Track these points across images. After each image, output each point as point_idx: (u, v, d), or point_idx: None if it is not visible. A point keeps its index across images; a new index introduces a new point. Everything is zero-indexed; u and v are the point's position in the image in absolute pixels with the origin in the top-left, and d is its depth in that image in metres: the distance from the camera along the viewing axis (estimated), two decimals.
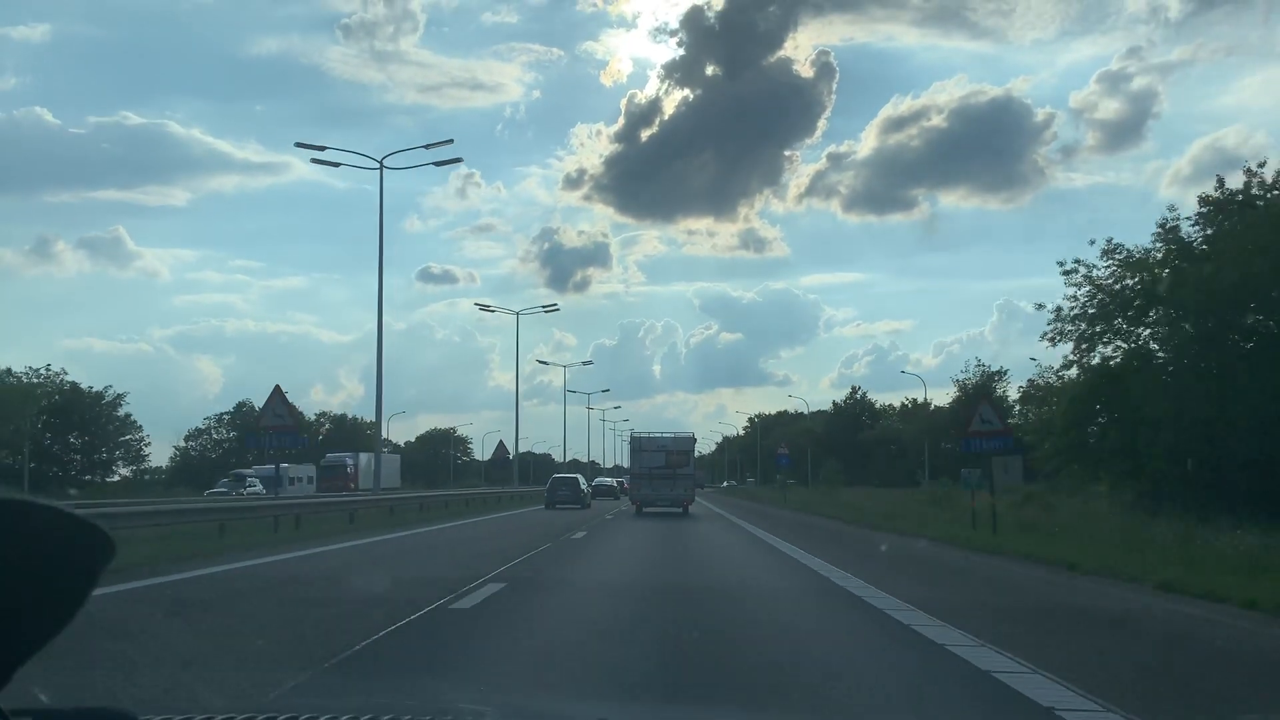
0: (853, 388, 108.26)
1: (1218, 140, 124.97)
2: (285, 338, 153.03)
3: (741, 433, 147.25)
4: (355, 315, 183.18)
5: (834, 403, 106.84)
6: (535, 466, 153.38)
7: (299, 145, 33.94)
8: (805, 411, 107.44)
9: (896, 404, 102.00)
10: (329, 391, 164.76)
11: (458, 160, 39.94)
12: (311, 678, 5.32)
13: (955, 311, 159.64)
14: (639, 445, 34.51)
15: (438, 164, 33.67)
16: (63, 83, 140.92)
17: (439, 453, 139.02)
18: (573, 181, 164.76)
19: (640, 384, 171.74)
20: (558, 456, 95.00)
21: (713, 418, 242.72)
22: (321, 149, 32.07)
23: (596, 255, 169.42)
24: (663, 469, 33.27)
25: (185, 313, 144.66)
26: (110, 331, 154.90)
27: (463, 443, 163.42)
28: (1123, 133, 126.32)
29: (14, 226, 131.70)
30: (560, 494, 37.14)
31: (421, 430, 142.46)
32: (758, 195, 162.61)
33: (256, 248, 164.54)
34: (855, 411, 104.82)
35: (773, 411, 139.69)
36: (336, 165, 32.69)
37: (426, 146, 32.84)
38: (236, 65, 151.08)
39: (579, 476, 43.01)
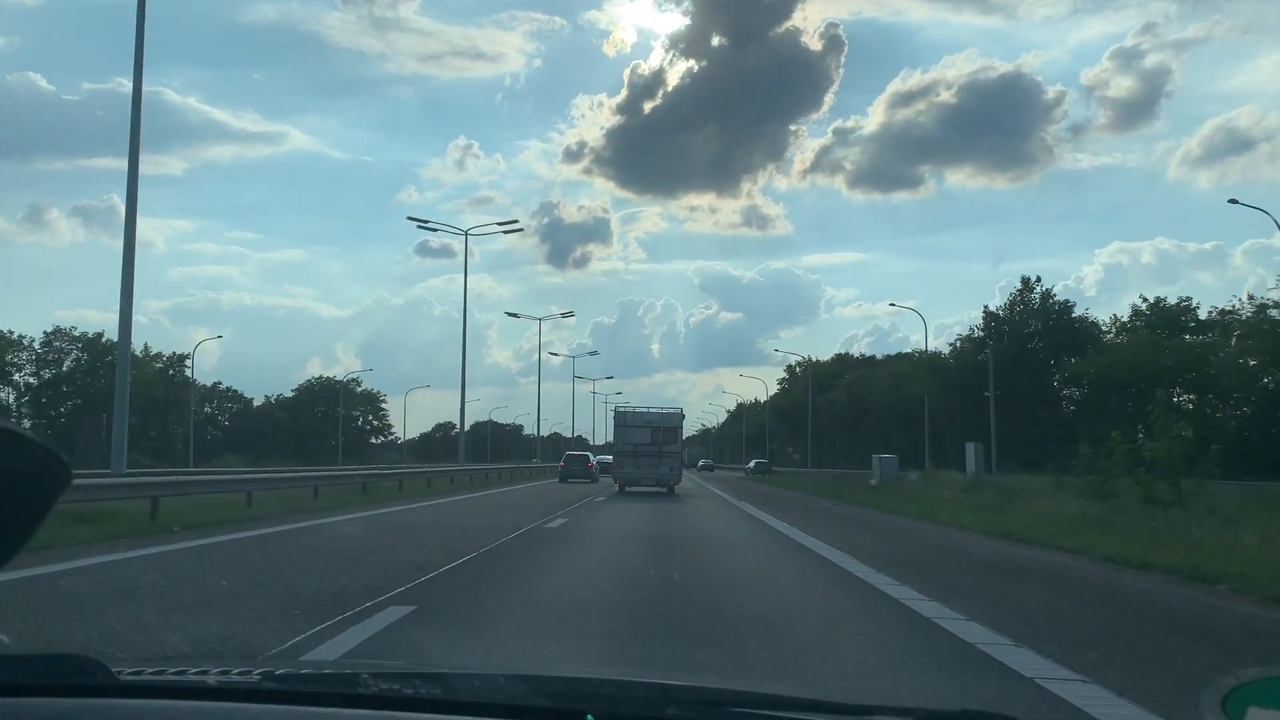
0: (1024, 280, 67.89)
1: (1230, 121, 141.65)
2: (282, 311, 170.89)
3: (776, 389, 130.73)
4: (353, 290, 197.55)
5: (987, 310, 69.17)
6: (504, 440, 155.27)
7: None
8: (921, 346, 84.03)
9: (1102, 316, 72.70)
10: (326, 366, 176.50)
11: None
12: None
13: (957, 292, 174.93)
14: (623, 420, 37.01)
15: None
16: (57, 48, 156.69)
17: (325, 413, 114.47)
18: (573, 154, 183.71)
19: (639, 363, 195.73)
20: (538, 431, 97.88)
21: (710, 397, 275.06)
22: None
23: (596, 231, 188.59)
24: (648, 445, 35.78)
25: (181, 285, 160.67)
26: (106, 302, 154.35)
27: (372, 401, 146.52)
28: (1134, 111, 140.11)
29: (6, 194, 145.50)
30: (573, 469, 47.25)
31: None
32: (761, 171, 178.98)
33: (254, 219, 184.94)
34: (1020, 330, 66.69)
35: (825, 357, 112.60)
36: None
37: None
38: (233, 32, 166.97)
39: (589, 454, 52.80)
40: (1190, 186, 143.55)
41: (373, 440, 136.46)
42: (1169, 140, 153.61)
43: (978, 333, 68.57)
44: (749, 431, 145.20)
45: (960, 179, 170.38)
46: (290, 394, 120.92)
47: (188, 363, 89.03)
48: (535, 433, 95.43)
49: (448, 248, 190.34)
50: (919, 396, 66.30)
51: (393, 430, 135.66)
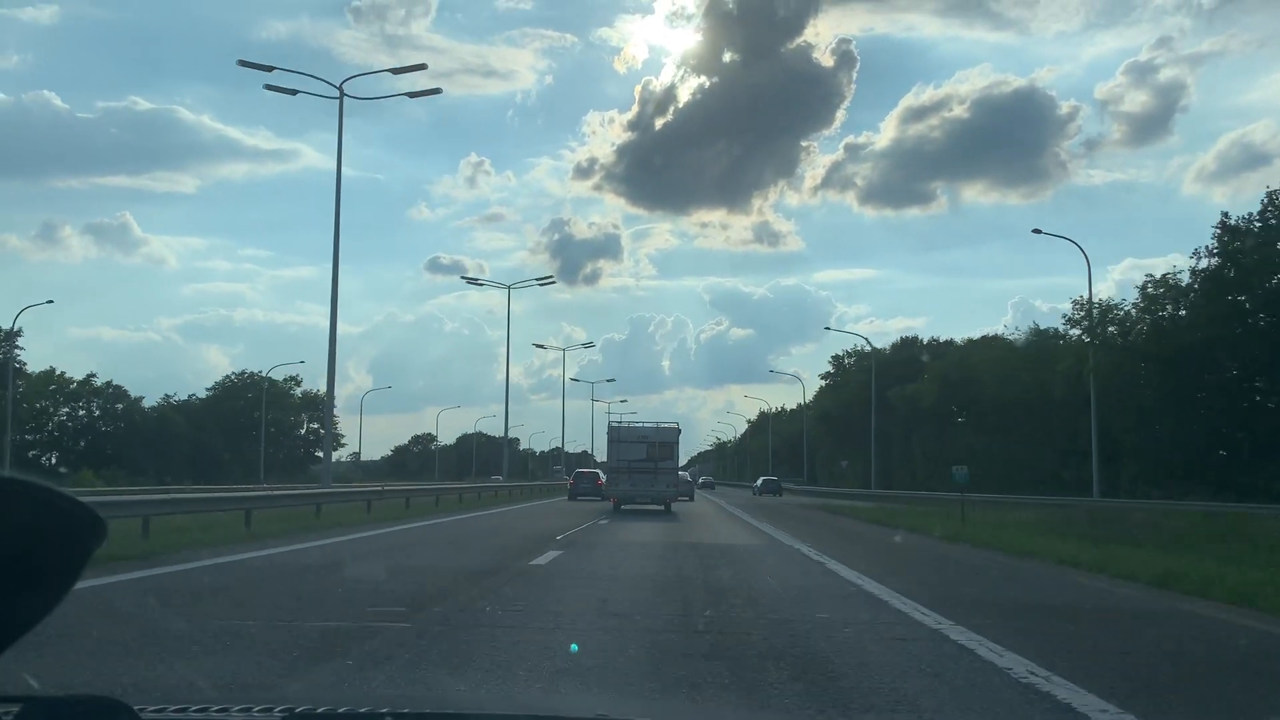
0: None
1: (1245, 135, 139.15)
2: (294, 328, 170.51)
3: (821, 384, 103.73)
4: (365, 307, 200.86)
5: (1225, 223, 39.13)
6: (495, 454, 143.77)
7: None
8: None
9: None
10: (337, 382, 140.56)
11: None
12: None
13: (969, 310, 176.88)
14: (617, 435, 36.24)
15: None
16: (71, 66, 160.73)
17: (252, 419, 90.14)
18: (584, 171, 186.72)
19: (649, 379, 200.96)
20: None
21: (720, 413, 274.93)
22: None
23: (607, 247, 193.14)
24: (643, 461, 34.78)
25: (194, 302, 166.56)
26: (119, 320, 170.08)
27: (318, 407, 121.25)
28: (1148, 126, 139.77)
29: (20, 212, 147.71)
30: (582, 486, 47.35)
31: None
32: (772, 187, 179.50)
33: (266, 236, 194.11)
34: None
35: (886, 344, 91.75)
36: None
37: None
38: (246, 50, 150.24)
39: (599, 471, 50.64)
40: (1205, 202, 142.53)
41: (318, 454, 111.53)
42: (1183, 155, 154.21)
43: (1205, 260, 38.62)
44: (776, 443, 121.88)
45: (973, 195, 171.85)
46: (206, 393, 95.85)
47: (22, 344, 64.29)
48: (504, 440, 70.83)
49: (459, 264, 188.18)
50: (1072, 383, 41.79)
51: (344, 441, 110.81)
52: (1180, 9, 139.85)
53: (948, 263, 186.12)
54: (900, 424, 67.34)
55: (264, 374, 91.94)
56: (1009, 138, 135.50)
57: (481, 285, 56.35)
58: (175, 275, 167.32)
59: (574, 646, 6.49)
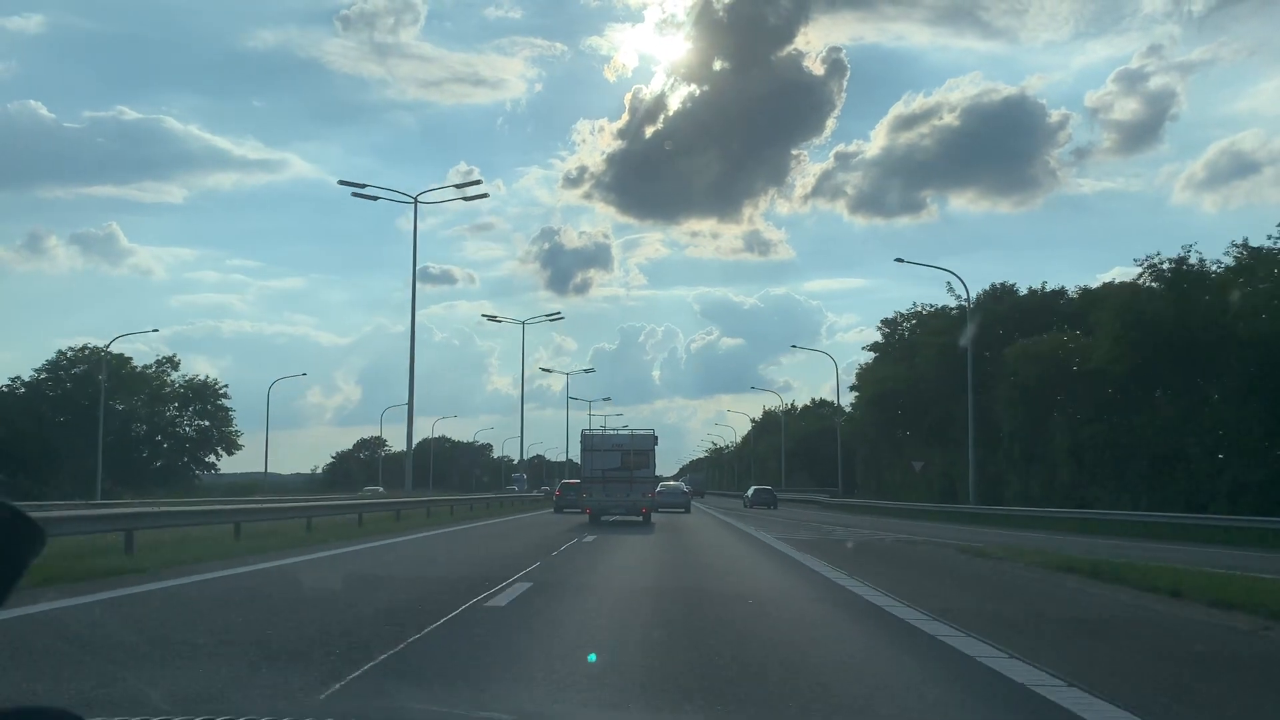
0: None
1: (1234, 144, 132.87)
2: (282, 339, 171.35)
3: (867, 359, 73.08)
4: (353, 317, 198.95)
5: None
6: (461, 461, 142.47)
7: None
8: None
9: None
10: (326, 394, 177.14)
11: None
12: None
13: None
14: (591, 444, 35.60)
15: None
16: (58, 76, 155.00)
17: (89, 400, 64.16)
18: (573, 180, 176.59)
19: (639, 389, 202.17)
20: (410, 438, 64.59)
21: (712, 421, 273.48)
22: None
23: (597, 257, 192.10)
24: (618, 471, 34.58)
25: (182, 313, 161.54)
26: (106, 332, 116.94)
27: (206, 399, 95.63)
28: (1138, 134, 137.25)
29: (6, 222, 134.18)
30: (569, 498, 44.53)
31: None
32: (763, 196, 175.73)
33: (254, 247, 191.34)
34: None
35: (994, 280, 70.90)
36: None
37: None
38: (234, 59, 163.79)
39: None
40: (1194, 210, 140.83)
41: (210, 459, 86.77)
42: (1173, 164, 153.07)
43: None
44: (790, 446, 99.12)
45: (963, 203, 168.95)
46: (32, 376, 71.01)
47: None
48: (408, 434, 46.14)
49: (448, 274, 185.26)
50: None
51: (241, 444, 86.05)
52: (1170, 17, 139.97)
53: (939, 272, 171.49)
54: (1014, 403, 43.02)
55: (105, 349, 66.92)
56: (999, 146, 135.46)
57: (377, 199, 41.29)
58: (163, 286, 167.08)
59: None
